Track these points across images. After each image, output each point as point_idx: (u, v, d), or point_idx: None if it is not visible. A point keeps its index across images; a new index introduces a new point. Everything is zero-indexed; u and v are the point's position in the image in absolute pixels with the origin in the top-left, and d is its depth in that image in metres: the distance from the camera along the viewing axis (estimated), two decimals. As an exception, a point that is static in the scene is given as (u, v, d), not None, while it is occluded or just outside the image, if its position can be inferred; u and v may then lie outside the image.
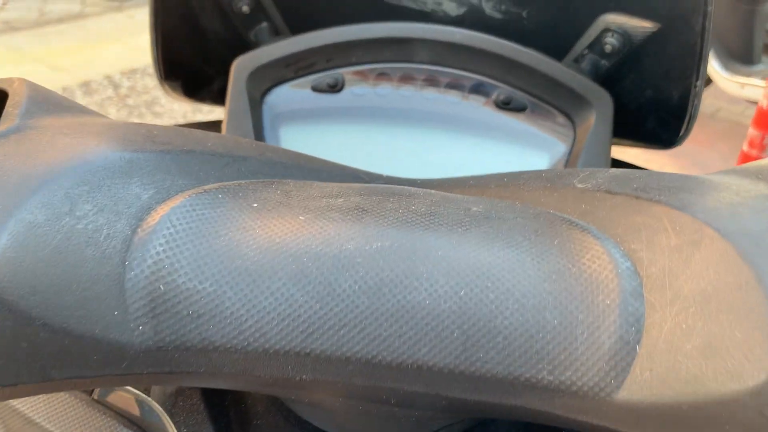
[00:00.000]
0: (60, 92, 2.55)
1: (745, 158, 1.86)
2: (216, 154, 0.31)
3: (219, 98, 0.61)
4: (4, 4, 3.35)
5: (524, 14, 0.55)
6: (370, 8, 0.56)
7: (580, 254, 0.25)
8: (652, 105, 0.55)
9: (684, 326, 0.22)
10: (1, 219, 0.22)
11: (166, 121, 2.49)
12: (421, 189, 0.30)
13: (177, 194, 0.26)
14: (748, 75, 2.27)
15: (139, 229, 0.24)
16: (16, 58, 2.88)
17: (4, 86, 0.30)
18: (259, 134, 0.51)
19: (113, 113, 2.58)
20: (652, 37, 0.51)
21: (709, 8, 0.46)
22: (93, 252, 0.23)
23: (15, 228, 0.22)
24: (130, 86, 2.74)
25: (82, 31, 3.17)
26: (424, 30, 0.50)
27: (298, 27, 0.57)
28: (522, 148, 0.51)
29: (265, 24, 0.56)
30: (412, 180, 0.38)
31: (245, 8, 0.54)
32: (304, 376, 0.24)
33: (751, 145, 1.85)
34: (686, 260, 0.23)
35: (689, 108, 0.52)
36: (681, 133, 0.54)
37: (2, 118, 0.28)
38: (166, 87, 0.57)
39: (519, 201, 0.31)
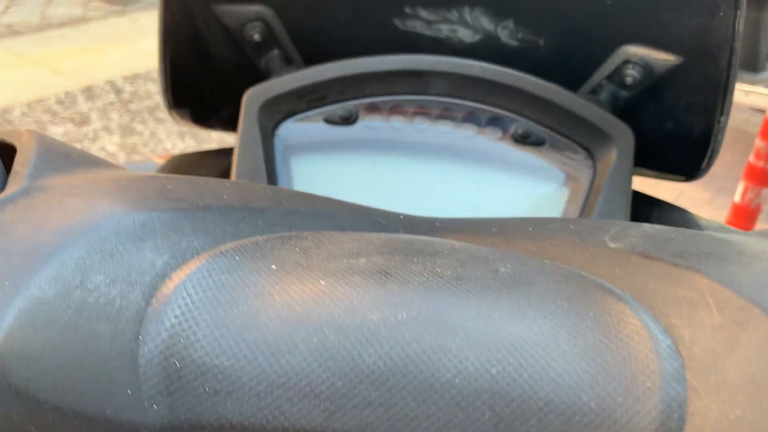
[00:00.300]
0: (62, 97, 2.53)
1: (752, 169, 1.85)
2: (232, 207, 0.29)
3: (228, 125, 0.60)
4: (7, 7, 3.34)
5: (541, 43, 0.54)
6: (383, 35, 0.55)
7: (618, 328, 0.23)
8: (672, 137, 0.54)
9: (732, 417, 0.20)
10: (8, 295, 0.21)
11: (168, 126, 2.48)
12: (445, 243, 0.29)
13: (193, 258, 0.25)
14: (753, 83, 2.26)
15: (153, 300, 0.23)
16: (18, 62, 2.87)
17: (13, 140, 0.29)
18: (270, 167, 0.50)
19: (116, 119, 2.57)
20: (674, 70, 0.50)
21: (736, 45, 0.45)
22: (105, 327, 0.22)
23: (23, 305, 0.21)
24: (132, 91, 2.73)
25: (84, 35, 3.16)
26: (440, 63, 0.49)
27: (309, 55, 0.56)
28: (541, 184, 0.50)
29: (276, 52, 0.55)
30: (431, 220, 0.37)
31: (256, 36, 0.53)
32: None
33: (758, 156, 1.84)
34: (732, 342, 0.22)
35: (712, 142, 0.51)
36: (702, 167, 0.53)
37: (11, 178, 0.26)
38: (175, 115, 0.56)
39: (547, 257, 0.30)
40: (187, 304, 0.23)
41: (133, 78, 2.82)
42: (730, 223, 1.79)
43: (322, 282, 0.24)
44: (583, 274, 0.27)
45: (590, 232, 0.30)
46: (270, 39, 0.54)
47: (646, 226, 0.30)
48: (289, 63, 0.56)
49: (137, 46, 3.10)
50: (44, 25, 3.23)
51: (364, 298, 0.24)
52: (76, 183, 0.27)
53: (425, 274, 0.25)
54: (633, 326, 0.23)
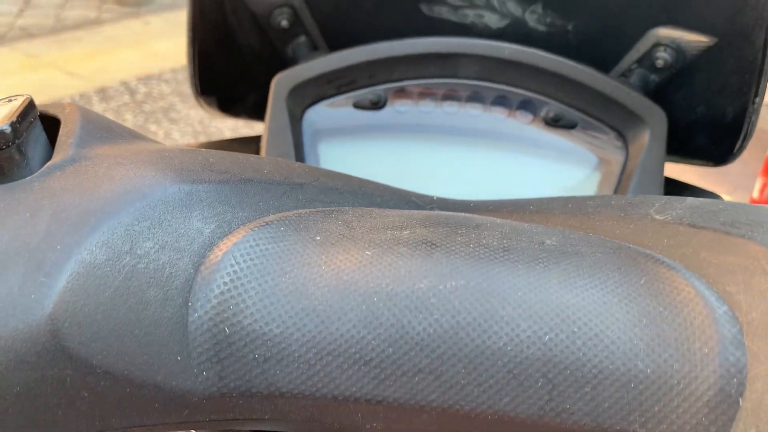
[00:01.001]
0: (77, 99, 2.55)
1: (770, 165, 1.83)
2: (273, 182, 0.29)
3: (254, 113, 0.60)
4: (21, 10, 3.37)
5: (570, 27, 0.54)
6: (409, 21, 0.54)
7: (671, 296, 0.23)
8: (704, 121, 0.53)
9: None
10: (60, 259, 0.21)
11: (182, 127, 2.49)
12: (486, 218, 0.29)
13: (239, 228, 0.25)
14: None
15: (202, 267, 0.23)
16: (33, 65, 2.89)
17: (56, 112, 0.29)
18: (299, 151, 0.50)
19: (130, 119, 2.59)
20: (707, 52, 0.49)
21: None
22: (155, 293, 0.22)
23: (75, 269, 0.21)
24: (146, 92, 2.75)
25: (98, 37, 3.19)
26: (469, 45, 0.49)
27: (336, 42, 0.55)
28: (572, 167, 0.50)
29: (303, 39, 0.55)
30: (465, 202, 0.37)
31: (284, 23, 0.53)
32: (374, 425, 0.23)
33: (776, 151, 1.82)
34: None
35: (745, 125, 0.50)
36: (735, 151, 0.52)
37: (57, 147, 0.26)
38: (202, 102, 0.56)
39: (590, 232, 0.29)
40: (235, 272, 0.23)
41: (146, 79, 2.84)
42: (748, 219, 1.77)
43: (368, 252, 0.24)
44: (631, 246, 0.27)
45: (633, 206, 0.30)
46: (297, 25, 0.54)
47: (690, 199, 0.30)
48: (314, 50, 0.56)
49: (150, 47, 3.11)
50: (59, 28, 3.25)
51: (411, 267, 0.23)
52: (121, 153, 0.27)
53: (471, 245, 0.25)
54: (687, 293, 0.23)
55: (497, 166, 0.50)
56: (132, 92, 2.75)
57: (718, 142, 0.54)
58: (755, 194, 1.78)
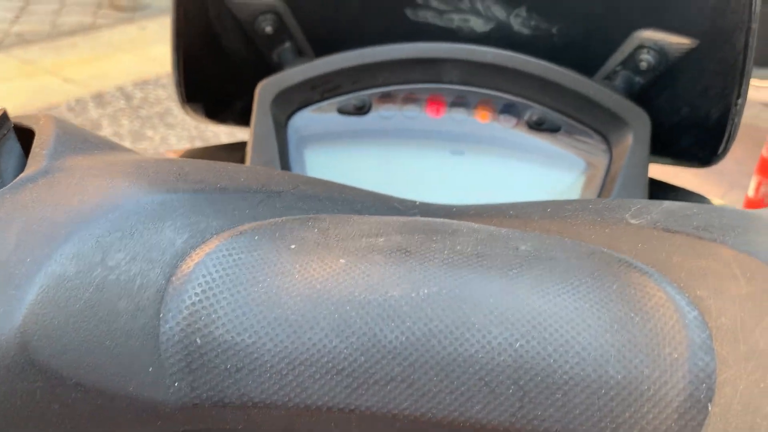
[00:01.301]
0: (73, 104, 2.55)
1: (764, 163, 1.83)
2: (250, 190, 0.29)
3: (241, 119, 0.60)
4: (17, 17, 3.37)
5: (554, 30, 0.54)
6: (394, 26, 0.55)
7: (642, 301, 0.23)
8: (688, 122, 0.53)
9: (762, 385, 0.20)
10: (30, 272, 0.21)
11: (178, 132, 2.49)
12: (463, 224, 0.29)
13: (212, 237, 0.25)
14: (764, 77, 2.24)
15: (173, 278, 0.23)
16: (29, 71, 2.89)
17: (31, 124, 0.29)
18: (284, 158, 0.50)
19: (126, 125, 2.58)
20: (689, 54, 0.49)
21: (753, 25, 0.45)
22: (126, 304, 0.22)
23: (44, 282, 0.21)
24: (142, 97, 2.75)
25: (94, 42, 3.19)
26: (453, 50, 0.49)
27: (321, 47, 0.56)
28: (556, 170, 0.50)
29: (288, 44, 0.55)
30: (448, 207, 0.37)
31: (268, 29, 0.53)
32: None
33: (771, 150, 1.82)
34: (761, 310, 0.21)
35: (729, 126, 0.50)
36: (719, 152, 0.53)
37: (30, 159, 0.26)
38: (188, 109, 0.56)
39: (567, 236, 0.29)
40: (207, 282, 0.23)
41: (142, 84, 2.84)
42: (744, 218, 1.76)
43: (341, 260, 0.24)
44: (605, 250, 0.27)
45: (610, 210, 0.30)
46: (282, 31, 0.54)
47: (667, 202, 0.30)
48: (300, 55, 0.56)
49: (146, 52, 3.11)
50: (54, 34, 3.25)
51: (384, 275, 0.24)
52: (96, 164, 0.27)
53: (445, 252, 0.25)
54: (658, 299, 0.23)
55: (482, 170, 0.50)
56: (128, 97, 2.75)
57: (702, 144, 0.54)
58: (750, 193, 1.78)
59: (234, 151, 0.58)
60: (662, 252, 0.26)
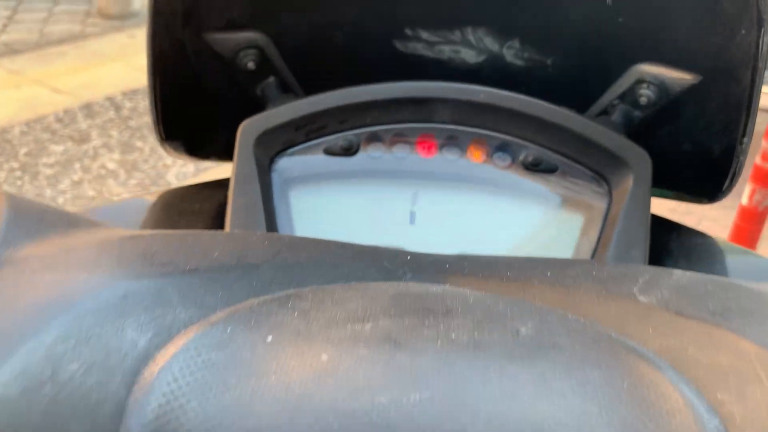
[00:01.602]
0: (61, 115, 2.52)
1: (758, 171, 1.82)
2: (224, 267, 0.27)
3: (225, 155, 0.57)
4: (5, 26, 3.33)
5: (549, 62, 0.52)
6: (384, 58, 0.52)
7: (657, 404, 0.21)
8: (690, 158, 0.51)
9: None
10: None
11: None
12: (457, 296, 0.27)
13: (179, 334, 0.23)
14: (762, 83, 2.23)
15: (135, 387, 0.21)
16: (16, 81, 2.86)
17: None
18: (268, 202, 0.47)
19: (115, 135, 2.56)
20: (692, 89, 0.47)
21: (760, 63, 0.42)
22: (80, 426, 0.20)
23: None
24: (132, 107, 2.72)
25: (82, 51, 3.15)
26: (444, 89, 0.47)
27: (308, 81, 0.53)
28: (552, 213, 0.47)
29: (272, 79, 0.52)
30: (440, 262, 0.35)
31: (250, 65, 0.51)
32: None
33: (764, 158, 1.81)
34: None
35: (733, 164, 0.48)
36: (723, 189, 0.50)
37: None
38: (167, 147, 0.54)
39: (569, 309, 0.27)
40: (173, 391, 0.20)
41: (132, 94, 2.81)
42: (737, 225, 1.75)
43: (323, 356, 0.22)
44: (613, 335, 0.24)
45: (616, 281, 0.28)
46: (265, 66, 0.52)
47: (677, 273, 0.27)
48: (286, 90, 0.54)
49: (135, 61, 3.08)
50: (43, 43, 3.22)
51: (371, 376, 0.21)
52: (51, 252, 0.24)
53: (439, 342, 0.23)
54: (674, 402, 0.21)
55: (475, 213, 0.48)
56: (117, 107, 2.72)
57: (705, 180, 0.52)
58: (744, 200, 1.76)
59: (218, 189, 0.55)
60: (676, 340, 0.24)
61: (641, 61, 0.49)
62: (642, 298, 0.26)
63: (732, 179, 0.49)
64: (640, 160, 0.46)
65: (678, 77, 0.47)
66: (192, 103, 0.53)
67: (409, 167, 0.48)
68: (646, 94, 0.49)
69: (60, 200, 2.22)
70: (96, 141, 2.53)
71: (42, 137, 2.54)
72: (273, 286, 0.27)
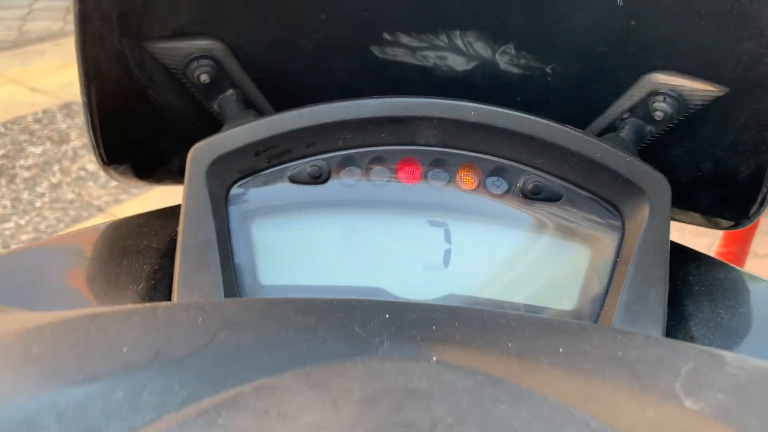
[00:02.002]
0: (40, 115, 2.44)
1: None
2: (132, 370, 0.20)
3: (180, 177, 0.50)
4: (-18, 23, 3.24)
5: (548, 70, 0.45)
6: (359, 66, 0.45)
7: None
8: (710, 181, 0.45)
9: None
10: None
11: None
12: (443, 399, 0.20)
13: None
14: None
15: None
16: (-6, 81, 2.77)
17: None
18: (223, 239, 0.40)
19: (96, 136, 2.47)
20: (716, 103, 0.41)
21: None
22: None
23: None
24: (112, 107, 2.63)
25: (62, 49, 3.07)
26: (428, 106, 0.40)
27: (273, 93, 0.46)
28: (556, 249, 0.41)
29: (230, 92, 0.45)
30: (426, 320, 0.28)
31: (204, 77, 0.44)
32: None
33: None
34: None
35: (764, 186, 0.41)
36: (750, 214, 0.44)
37: None
38: (112, 173, 0.47)
39: (592, 413, 0.21)
40: None
41: (113, 93, 2.72)
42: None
43: None
44: None
45: (651, 370, 0.21)
46: (222, 78, 0.45)
47: (728, 360, 0.21)
48: (248, 104, 0.47)
49: (117, 59, 3.00)
50: (21, 41, 3.13)
51: None
52: None
53: None
54: None
55: (465, 249, 0.41)
56: (98, 107, 2.64)
57: (728, 204, 0.45)
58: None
59: (171, 219, 0.48)
60: None
61: (656, 70, 0.42)
62: (689, 404, 0.20)
63: (762, 204, 0.43)
64: (658, 186, 0.39)
65: (700, 89, 0.41)
66: (138, 122, 0.46)
67: (388, 196, 0.41)
68: (661, 107, 0.42)
69: (38, 204, 2.15)
70: (76, 142, 2.46)
71: (19, 138, 2.46)
72: (203, 388, 0.21)
